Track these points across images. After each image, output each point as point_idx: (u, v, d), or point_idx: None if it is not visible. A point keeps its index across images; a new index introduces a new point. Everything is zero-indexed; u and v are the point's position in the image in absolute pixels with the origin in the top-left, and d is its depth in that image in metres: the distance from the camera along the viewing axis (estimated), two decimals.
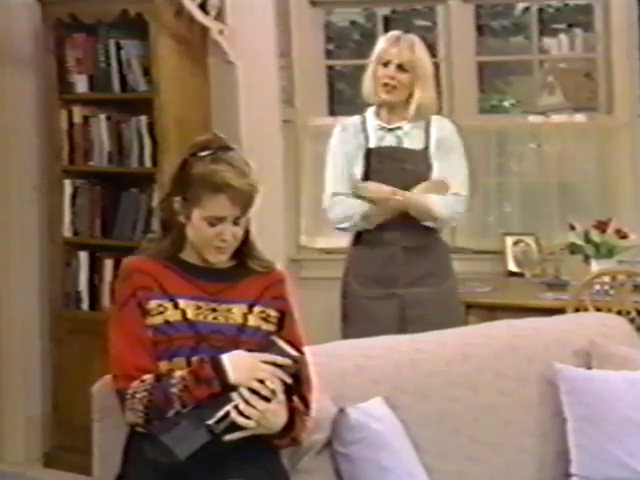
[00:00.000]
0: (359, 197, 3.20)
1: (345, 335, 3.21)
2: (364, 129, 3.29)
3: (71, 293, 4.15)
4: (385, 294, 3.18)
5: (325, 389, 2.29)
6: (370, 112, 3.32)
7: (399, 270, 3.19)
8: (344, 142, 3.28)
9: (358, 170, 3.23)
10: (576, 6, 4.72)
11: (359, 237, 3.28)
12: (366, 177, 3.22)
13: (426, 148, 3.23)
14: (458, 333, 2.72)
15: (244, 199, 2.11)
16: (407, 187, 3.17)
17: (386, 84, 3.22)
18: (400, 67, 3.22)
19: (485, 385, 2.57)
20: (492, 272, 4.31)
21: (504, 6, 4.83)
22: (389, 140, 3.26)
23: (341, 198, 3.24)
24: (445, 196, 3.20)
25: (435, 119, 3.29)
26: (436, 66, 4.49)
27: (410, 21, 4.88)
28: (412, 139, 3.24)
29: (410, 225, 3.18)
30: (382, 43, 3.29)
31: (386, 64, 3.23)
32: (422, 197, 3.18)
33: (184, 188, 2.12)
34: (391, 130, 3.26)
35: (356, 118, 3.33)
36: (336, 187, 3.26)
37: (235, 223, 2.13)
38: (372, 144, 3.26)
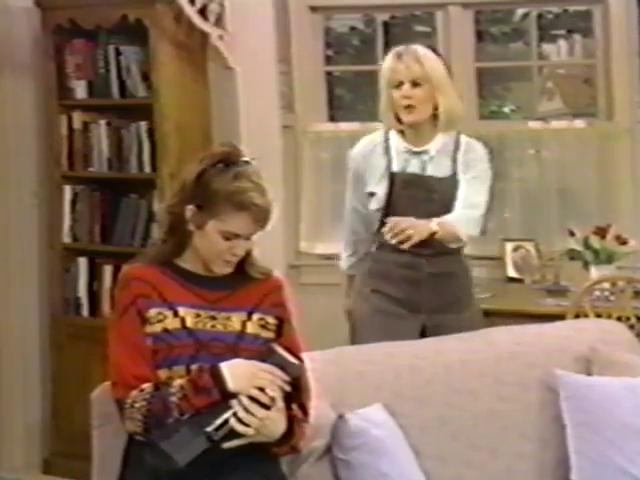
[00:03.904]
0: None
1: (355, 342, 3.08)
2: (387, 149, 3.06)
3: (70, 299, 4.15)
4: (407, 314, 3.02)
5: (324, 395, 2.29)
6: (394, 132, 3.09)
7: (424, 296, 3.02)
8: (367, 164, 3.06)
9: (381, 192, 3.01)
10: (575, 12, 4.73)
11: (376, 256, 3.09)
12: (388, 201, 3.01)
13: (454, 174, 3.01)
14: (457, 339, 2.72)
15: (264, 219, 2.13)
16: (431, 215, 2.94)
17: (407, 106, 2.98)
18: (413, 83, 2.99)
19: (485, 391, 2.57)
20: (491, 278, 4.30)
21: (503, 12, 4.84)
22: (414, 165, 3.03)
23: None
24: (464, 215, 2.98)
25: (465, 143, 3.05)
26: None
27: (409, 27, 4.89)
28: (437, 165, 3.02)
29: (436, 251, 2.99)
30: (386, 64, 3.06)
31: (398, 85, 3.01)
32: (445, 223, 2.93)
33: (200, 198, 2.12)
34: (416, 153, 3.04)
35: (377, 137, 3.10)
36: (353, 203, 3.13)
37: (248, 238, 2.14)
38: (396, 167, 3.03)
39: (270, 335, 2.17)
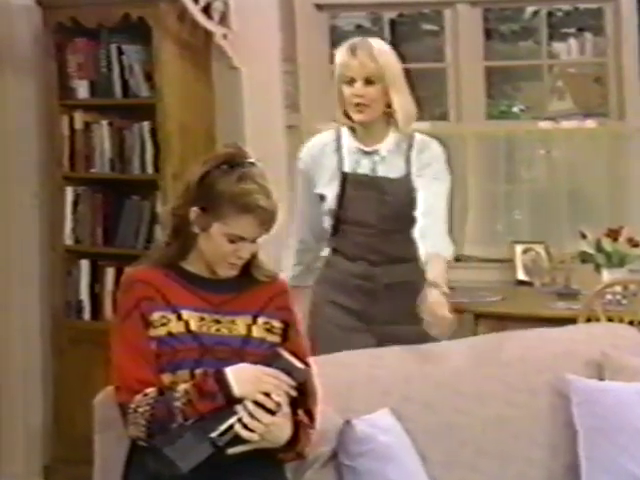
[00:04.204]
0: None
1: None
2: (338, 148, 2.96)
3: (72, 302, 4.15)
4: (363, 327, 2.91)
5: (331, 400, 2.29)
6: (345, 129, 2.98)
7: (380, 308, 2.91)
8: (317, 164, 2.96)
9: (332, 194, 2.91)
10: (586, 10, 4.72)
11: (329, 263, 2.99)
12: (340, 203, 2.91)
13: (407, 175, 2.90)
14: (467, 344, 2.72)
15: (271, 220, 2.13)
16: (385, 219, 2.89)
17: (358, 104, 2.88)
18: (366, 81, 2.87)
19: (494, 396, 2.57)
20: (501, 281, 4.30)
21: (513, 10, 4.84)
22: (364, 165, 2.93)
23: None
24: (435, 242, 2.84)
25: (419, 142, 2.94)
26: (443, 71, 4.54)
27: (417, 25, 4.89)
28: (389, 165, 2.91)
29: (392, 259, 2.90)
30: (339, 58, 2.93)
31: (350, 82, 2.89)
32: (440, 273, 2.77)
33: (205, 200, 2.12)
34: (367, 153, 2.93)
35: (328, 136, 3.00)
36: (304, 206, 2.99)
37: (253, 241, 2.14)
38: (347, 168, 2.93)
39: (276, 339, 2.17)
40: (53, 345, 4.18)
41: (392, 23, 4.67)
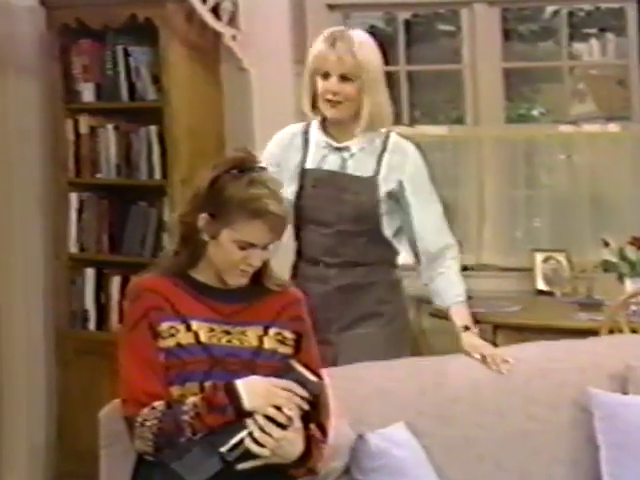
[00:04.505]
0: None
1: None
2: (305, 142, 2.88)
3: (77, 312, 4.17)
4: (317, 334, 2.67)
5: (344, 414, 2.29)
6: (315, 123, 2.90)
7: (334, 312, 2.79)
8: (283, 158, 2.86)
9: (290, 191, 2.78)
10: (608, 10, 4.73)
11: (295, 270, 2.91)
12: (298, 200, 2.83)
13: (374, 176, 2.81)
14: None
15: (281, 226, 2.14)
16: (343, 218, 2.79)
17: (329, 100, 2.79)
18: (343, 77, 2.77)
19: (513, 410, 2.56)
20: (520, 291, 4.30)
21: (532, 10, 4.84)
22: (332, 161, 2.84)
23: None
24: (453, 273, 2.84)
25: (394, 143, 2.84)
26: (460, 73, 4.54)
27: (433, 26, 4.90)
28: (359, 163, 2.82)
29: (349, 261, 2.80)
30: (316, 48, 2.81)
31: (325, 75, 2.78)
32: (467, 315, 2.80)
33: (214, 206, 2.13)
34: (337, 149, 2.84)
35: (297, 128, 2.92)
36: None
37: (264, 247, 2.15)
38: (310, 164, 2.84)
39: (288, 350, 2.18)
40: (57, 356, 4.19)
41: (407, 24, 4.67)
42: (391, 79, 4.56)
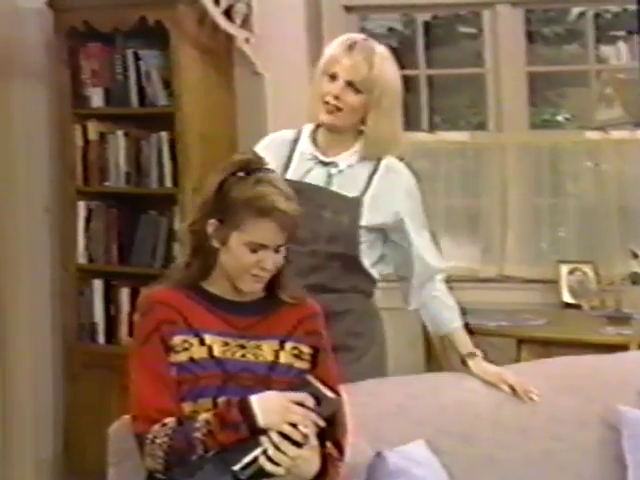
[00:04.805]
0: None
1: None
2: (291, 152, 2.73)
3: (86, 325, 4.19)
4: None
5: (361, 431, 2.29)
6: (306, 132, 2.76)
7: None
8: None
9: None
10: (636, 11, 4.71)
11: None
12: None
13: (359, 197, 2.66)
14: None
15: (291, 224, 2.13)
16: (318, 238, 2.62)
17: (327, 103, 2.64)
18: (350, 85, 2.63)
19: (538, 428, 2.56)
20: (545, 303, 4.29)
21: (557, 11, 4.83)
22: (316, 176, 2.68)
23: None
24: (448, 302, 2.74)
25: (387, 166, 2.69)
26: (482, 77, 4.55)
27: (453, 28, 4.90)
28: (346, 182, 2.67)
29: (318, 285, 2.56)
30: (332, 48, 2.69)
31: (333, 77, 2.64)
32: (468, 341, 2.73)
33: (221, 210, 2.14)
34: (323, 164, 2.69)
35: (288, 135, 2.78)
36: None
37: (277, 250, 2.15)
38: (293, 174, 2.66)
39: (304, 366, 2.18)
40: (65, 370, 4.21)
41: (426, 26, 4.68)
42: (410, 83, 4.61)
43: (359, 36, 2.73)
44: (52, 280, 4.26)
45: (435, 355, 3.76)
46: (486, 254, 4.48)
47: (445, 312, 2.74)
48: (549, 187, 4.46)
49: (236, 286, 2.17)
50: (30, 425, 4.23)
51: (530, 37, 4.57)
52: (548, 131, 4.83)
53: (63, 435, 4.22)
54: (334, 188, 2.67)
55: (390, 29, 4.94)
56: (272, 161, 2.48)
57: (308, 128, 2.75)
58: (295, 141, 2.74)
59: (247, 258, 2.13)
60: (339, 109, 2.64)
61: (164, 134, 4.04)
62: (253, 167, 2.16)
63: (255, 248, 2.12)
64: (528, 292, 4.33)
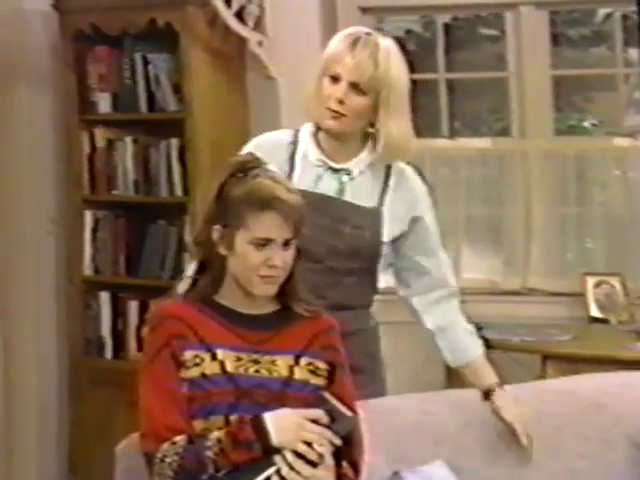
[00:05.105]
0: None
1: None
2: (292, 155, 2.59)
3: (92, 339, 4.20)
4: None
5: (378, 450, 2.30)
6: (307, 132, 2.62)
7: None
8: None
9: None
10: None
11: None
12: None
13: (379, 207, 2.57)
14: (534, 388, 2.72)
15: (294, 215, 2.14)
16: (336, 254, 2.53)
17: (330, 108, 2.51)
18: (355, 86, 2.50)
19: (564, 448, 2.56)
20: (571, 318, 4.28)
21: (583, 12, 4.83)
22: (328, 184, 2.56)
23: None
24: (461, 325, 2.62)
25: (398, 169, 2.61)
26: (505, 81, 4.55)
27: (474, 30, 4.90)
28: (359, 190, 2.57)
29: (338, 309, 2.43)
30: (333, 46, 2.55)
31: (335, 78, 2.51)
32: (492, 370, 2.60)
33: (223, 214, 2.17)
34: (333, 170, 2.58)
35: (283, 137, 2.62)
36: None
37: (285, 246, 2.16)
38: (300, 182, 2.49)
39: (320, 382, 2.18)
40: (71, 387, 4.22)
41: (446, 27, 4.68)
42: (429, 87, 4.62)
43: (361, 30, 2.58)
44: (57, 293, 4.27)
45: (456, 371, 3.74)
46: (509, 266, 4.47)
47: (468, 338, 2.61)
48: (575, 196, 4.45)
49: (248, 292, 2.18)
50: (34, 444, 4.23)
51: (555, 39, 4.57)
52: (574, 137, 4.83)
53: (68, 454, 4.22)
54: (347, 198, 2.57)
55: (408, 31, 4.95)
56: (273, 165, 2.36)
57: (306, 130, 2.62)
58: (293, 143, 2.61)
59: (254, 257, 2.14)
60: (343, 115, 2.51)
61: (174, 141, 4.06)
62: (250, 166, 2.19)
63: (261, 244, 2.13)
64: (553, 306, 4.32)
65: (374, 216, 2.57)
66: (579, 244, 4.49)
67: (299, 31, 4.21)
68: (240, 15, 4.08)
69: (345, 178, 2.58)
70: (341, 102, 2.50)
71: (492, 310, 4.25)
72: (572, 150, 4.43)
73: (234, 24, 4.04)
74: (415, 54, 4.93)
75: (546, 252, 4.44)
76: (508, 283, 4.43)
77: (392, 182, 2.60)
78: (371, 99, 2.51)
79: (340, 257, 2.55)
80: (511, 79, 4.50)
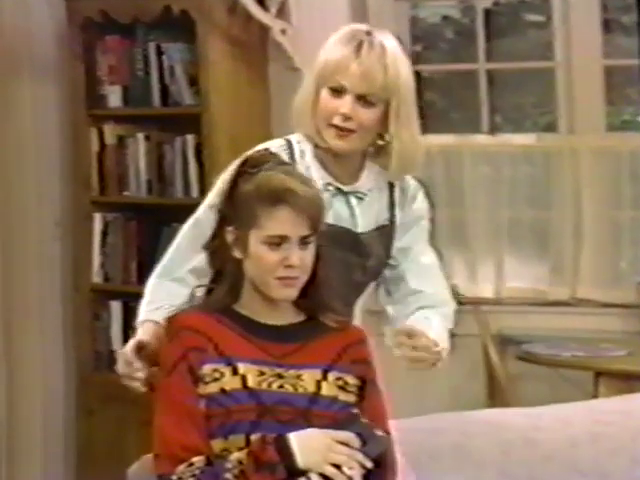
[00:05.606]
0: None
1: None
2: None
3: (102, 352, 4.22)
4: None
5: (413, 474, 2.29)
6: (305, 149, 2.47)
7: None
8: None
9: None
10: None
11: None
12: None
13: (390, 225, 2.51)
14: (586, 408, 2.70)
15: (310, 209, 2.14)
16: (353, 290, 2.49)
17: (338, 126, 2.38)
18: (361, 98, 2.37)
19: (619, 472, 2.55)
20: (626, 331, 4.27)
21: None
22: (340, 211, 2.45)
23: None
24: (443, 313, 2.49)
25: (406, 181, 2.53)
26: (552, 72, 4.54)
27: (518, 16, 4.89)
28: (366, 211, 2.48)
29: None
30: (333, 49, 2.41)
31: (338, 91, 2.38)
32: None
33: (235, 214, 2.18)
34: (344, 193, 2.47)
35: (280, 150, 2.42)
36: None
37: (302, 245, 2.15)
38: None
39: (350, 398, 2.17)
40: (79, 404, 4.24)
41: (487, 13, 4.68)
42: (468, 79, 4.61)
43: (360, 29, 2.42)
44: (64, 303, 4.30)
45: (499, 388, 3.74)
46: (556, 274, 4.46)
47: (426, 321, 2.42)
48: (629, 198, 4.43)
49: (267, 298, 2.18)
50: (39, 467, 4.25)
51: (607, 26, 4.56)
52: (628, 133, 4.80)
53: (76, 476, 4.24)
54: (358, 221, 2.46)
55: (445, 17, 4.95)
56: None
57: (299, 144, 2.47)
58: (290, 155, 2.45)
59: (269, 257, 2.14)
60: (351, 132, 2.39)
61: (190, 137, 4.08)
62: (262, 161, 2.19)
63: (275, 243, 2.13)
64: (606, 318, 4.31)
65: (387, 235, 2.51)
66: (634, 251, 4.47)
67: (326, 18, 4.21)
68: (262, 1, 4.09)
69: (354, 201, 2.48)
70: (348, 118, 2.38)
71: (538, 323, 4.24)
72: (626, 147, 4.41)
73: (255, 11, 4.06)
74: (453, 42, 4.93)
75: (597, 259, 4.42)
76: (555, 293, 4.41)
77: (396, 195, 2.53)
78: (380, 110, 2.40)
79: (354, 293, 2.51)
80: (558, 69, 4.49)
